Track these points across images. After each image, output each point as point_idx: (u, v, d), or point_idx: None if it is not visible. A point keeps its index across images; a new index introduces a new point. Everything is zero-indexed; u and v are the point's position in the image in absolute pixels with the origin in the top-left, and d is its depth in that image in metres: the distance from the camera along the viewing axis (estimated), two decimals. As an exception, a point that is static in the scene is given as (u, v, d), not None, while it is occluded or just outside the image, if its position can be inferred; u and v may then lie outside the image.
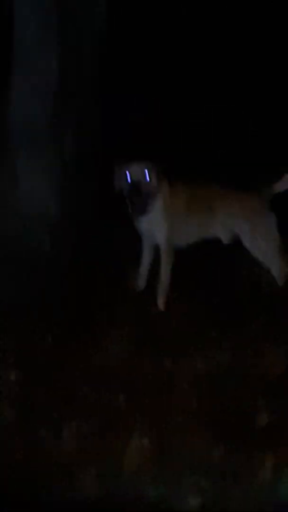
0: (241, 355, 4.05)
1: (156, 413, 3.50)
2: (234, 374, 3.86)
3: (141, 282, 4.77)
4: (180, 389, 3.73)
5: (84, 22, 4.92)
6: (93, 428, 3.36)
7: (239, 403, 3.58)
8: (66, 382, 3.73)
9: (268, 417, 3.45)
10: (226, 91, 7.27)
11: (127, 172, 4.43)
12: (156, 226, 4.58)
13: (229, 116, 7.01)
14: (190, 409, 3.55)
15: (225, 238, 4.66)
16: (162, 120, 6.81)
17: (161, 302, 4.58)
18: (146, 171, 4.42)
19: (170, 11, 7.36)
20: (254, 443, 3.27)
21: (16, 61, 4.76)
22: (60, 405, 3.52)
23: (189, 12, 7.41)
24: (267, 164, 5.15)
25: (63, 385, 3.70)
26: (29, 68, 4.74)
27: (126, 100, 6.69)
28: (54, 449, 3.21)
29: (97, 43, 5.10)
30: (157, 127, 6.62)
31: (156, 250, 4.66)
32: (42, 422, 3.38)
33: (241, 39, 7.39)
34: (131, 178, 4.42)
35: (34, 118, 4.76)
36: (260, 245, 4.61)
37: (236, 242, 4.65)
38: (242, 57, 7.42)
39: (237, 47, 7.39)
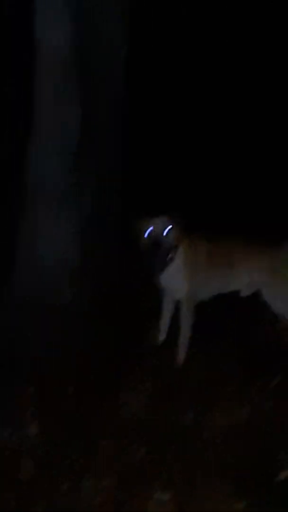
0: (261, 409, 4.02)
1: (177, 467, 3.49)
2: (254, 429, 3.83)
3: (161, 335, 4.77)
4: (201, 443, 3.71)
5: (104, 80, 5.03)
6: (113, 482, 3.35)
7: (260, 457, 3.56)
8: (86, 435, 3.73)
9: (290, 472, 3.42)
10: (248, 146, 7.37)
11: (147, 227, 4.46)
12: (176, 281, 4.57)
13: (253, 171, 7.07)
14: (211, 463, 3.54)
15: (245, 292, 4.66)
16: (183, 174, 6.88)
17: (181, 356, 4.57)
18: (166, 225, 4.45)
19: (190, 64, 7.51)
20: (275, 498, 3.24)
21: (36, 120, 4.84)
22: (80, 458, 3.53)
23: (209, 64, 7.55)
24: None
25: (83, 439, 3.70)
26: (50, 125, 4.81)
27: (146, 155, 6.79)
28: (74, 503, 3.21)
29: (117, 102, 5.20)
30: (177, 182, 6.69)
31: (177, 303, 4.67)
32: (63, 475, 3.38)
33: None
34: (150, 232, 4.44)
35: (55, 172, 4.82)
36: (281, 300, 4.60)
37: (257, 296, 4.65)
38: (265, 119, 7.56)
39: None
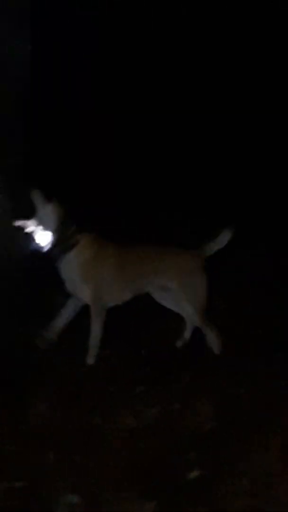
0: (170, 410, 4.04)
1: (86, 470, 3.46)
2: (163, 429, 3.84)
3: (54, 335, 4.74)
4: (110, 445, 3.69)
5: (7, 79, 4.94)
6: (22, 485, 3.30)
7: (169, 457, 3.57)
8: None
9: (199, 471, 3.45)
10: (155, 144, 7.42)
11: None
12: (75, 283, 4.56)
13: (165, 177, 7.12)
14: (120, 465, 3.52)
15: (156, 296, 4.70)
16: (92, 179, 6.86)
17: (91, 358, 4.55)
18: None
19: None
20: (185, 497, 3.26)
21: None
22: (-12, 463, 3.45)
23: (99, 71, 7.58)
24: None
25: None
26: None
27: (50, 160, 6.74)
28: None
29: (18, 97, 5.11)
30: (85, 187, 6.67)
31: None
32: None
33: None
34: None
35: None
36: (185, 303, 4.66)
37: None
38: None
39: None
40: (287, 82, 7.85)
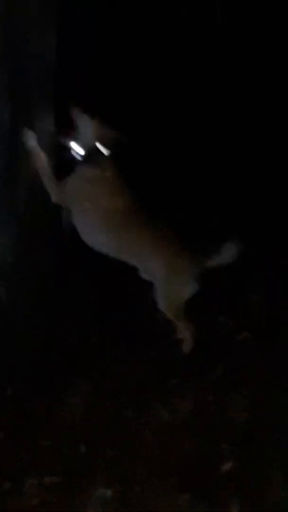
0: (203, 402, 4.01)
1: (119, 464, 3.47)
2: (196, 421, 3.83)
3: None
4: (143, 439, 3.69)
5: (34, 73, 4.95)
6: (55, 480, 3.31)
7: (203, 450, 3.57)
8: (27, 434, 3.67)
9: (233, 464, 3.43)
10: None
11: None
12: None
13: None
14: (153, 458, 3.53)
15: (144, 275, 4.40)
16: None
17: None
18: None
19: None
20: (219, 490, 3.26)
21: None
22: (21, 457, 3.47)
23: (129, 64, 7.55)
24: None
25: (24, 438, 3.63)
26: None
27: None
28: (16, 503, 3.16)
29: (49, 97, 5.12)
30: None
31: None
32: (4, 475, 3.32)
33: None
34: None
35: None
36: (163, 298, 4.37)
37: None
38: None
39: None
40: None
